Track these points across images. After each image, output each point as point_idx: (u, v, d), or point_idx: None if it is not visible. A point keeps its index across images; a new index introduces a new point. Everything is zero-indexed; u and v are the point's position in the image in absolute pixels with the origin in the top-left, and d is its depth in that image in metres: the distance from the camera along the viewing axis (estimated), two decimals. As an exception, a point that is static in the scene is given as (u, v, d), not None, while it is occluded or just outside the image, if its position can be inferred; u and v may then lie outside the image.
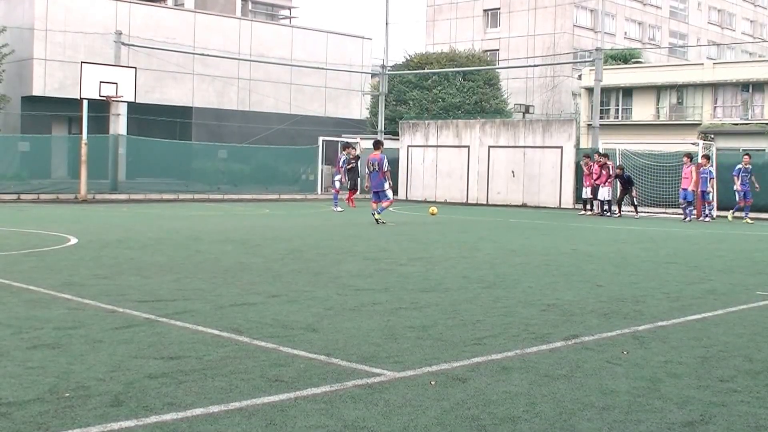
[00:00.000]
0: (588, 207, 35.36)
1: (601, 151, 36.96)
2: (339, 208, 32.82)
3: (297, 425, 5.66)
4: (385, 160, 26.41)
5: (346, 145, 38.91)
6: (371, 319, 9.59)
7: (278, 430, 5.54)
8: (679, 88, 64.61)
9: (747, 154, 33.46)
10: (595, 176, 34.63)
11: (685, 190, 32.18)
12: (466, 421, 5.86)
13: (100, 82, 36.28)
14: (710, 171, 32.72)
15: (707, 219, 32.38)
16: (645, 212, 35.05)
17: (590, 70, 56.24)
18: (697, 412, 6.20)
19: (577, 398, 6.50)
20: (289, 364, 7.36)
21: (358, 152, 38.50)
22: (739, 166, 32.24)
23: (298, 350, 7.87)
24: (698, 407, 6.34)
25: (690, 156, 32.92)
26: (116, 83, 36.71)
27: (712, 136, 54.62)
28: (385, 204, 26.39)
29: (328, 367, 7.30)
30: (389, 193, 26.51)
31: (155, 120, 49.58)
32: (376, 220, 25.74)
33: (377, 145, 27.32)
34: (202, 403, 6.10)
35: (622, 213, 34.31)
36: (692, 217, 32.29)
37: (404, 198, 45.51)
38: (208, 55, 50.79)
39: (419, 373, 7.14)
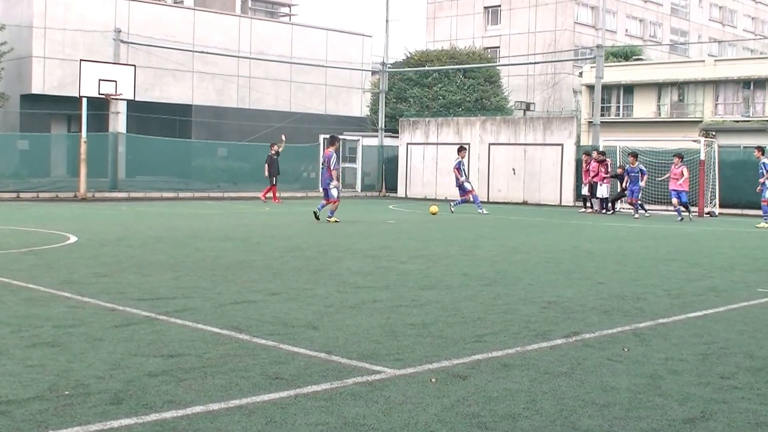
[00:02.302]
0: (588, 204, 35.31)
1: (601, 148, 36.89)
2: (483, 211, 31.86)
3: (297, 423, 5.65)
4: (333, 157, 25.37)
5: (274, 144, 38.78)
6: (371, 316, 9.58)
7: (278, 428, 5.53)
8: (680, 86, 64.53)
9: None
10: (592, 173, 34.53)
11: (676, 191, 30.72)
12: (467, 418, 5.85)
13: (100, 80, 36.22)
14: (642, 169, 32.22)
15: (637, 216, 31.28)
16: (647, 209, 35.05)
17: (591, 67, 56.13)
18: (698, 409, 6.20)
19: (578, 395, 6.50)
20: (289, 362, 7.35)
21: (279, 148, 38.22)
22: None
23: (298, 348, 7.87)
24: (699, 404, 6.33)
25: (681, 156, 32.45)
26: (115, 81, 36.66)
27: (713, 133, 54.49)
28: (329, 204, 25.50)
29: (328, 364, 7.31)
30: (333, 192, 25.32)
31: (155, 118, 49.53)
32: (317, 217, 25.15)
33: (332, 141, 26.12)
34: (202, 401, 6.10)
35: (615, 210, 34.29)
36: (693, 214, 32.05)
37: (404, 195, 45.54)
38: (207, 53, 50.70)
39: (420, 371, 7.14)
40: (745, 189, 35.19)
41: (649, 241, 21.34)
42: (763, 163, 27.66)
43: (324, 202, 25.71)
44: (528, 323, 9.37)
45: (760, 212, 33.04)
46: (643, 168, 32.54)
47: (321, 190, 26.31)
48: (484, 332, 8.80)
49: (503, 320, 9.52)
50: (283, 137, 39.58)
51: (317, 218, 25.19)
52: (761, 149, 28.37)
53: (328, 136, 28.18)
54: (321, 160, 26.19)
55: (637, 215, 31.57)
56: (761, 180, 27.64)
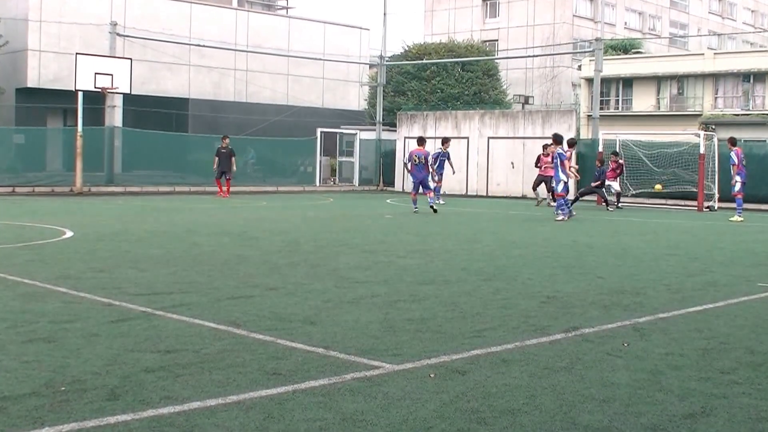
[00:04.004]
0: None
1: (600, 142, 36.72)
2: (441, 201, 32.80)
3: (295, 418, 5.62)
4: (430, 156, 28.85)
5: (225, 137, 38.25)
6: (370, 311, 9.54)
7: (276, 424, 5.50)
8: (680, 79, 64.46)
9: None
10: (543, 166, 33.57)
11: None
12: (466, 413, 5.82)
13: (96, 73, 36.10)
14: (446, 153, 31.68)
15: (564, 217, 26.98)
16: (647, 204, 35.02)
17: (590, 60, 56.14)
18: (698, 405, 6.17)
19: (578, 390, 6.47)
20: (287, 357, 7.33)
21: (228, 142, 37.67)
22: None
23: (296, 343, 7.84)
24: (699, 399, 6.31)
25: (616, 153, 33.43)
26: (112, 75, 36.53)
27: (713, 126, 54.50)
28: (431, 194, 28.42)
29: (326, 359, 7.28)
30: (431, 184, 28.85)
31: (151, 112, 49.39)
32: (434, 210, 27.27)
33: (421, 141, 28.97)
34: (199, 397, 6.07)
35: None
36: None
37: (402, 190, 45.43)
38: (204, 46, 50.54)
39: (418, 366, 7.12)
40: (746, 183, 35.15)
41: (649, 235, 21.32)
42: (730, 156, 27.54)
43: (430, 195, 28.25)
44: (527, 318, 9.34)
45: (758, 206, 33.11)
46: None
47: (416, 183, 28.35)
48: (483, 327, 8.77)
49: (502, 315, 9.48)
50: (227, 140, 38.44)
51: (435, 211, 27.28)
52: (733, 141, 28.22)
53: (417, 137, 30.66)
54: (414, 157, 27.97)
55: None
56: (733, 172, 27.50)
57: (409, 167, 28.78)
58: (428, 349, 7.70)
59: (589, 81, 58.53)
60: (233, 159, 37.37)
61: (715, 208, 33.72)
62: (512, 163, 41.76)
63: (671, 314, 9.77)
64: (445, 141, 35.01)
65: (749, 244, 19.18)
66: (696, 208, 33.08)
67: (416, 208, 27.76)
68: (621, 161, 34.10)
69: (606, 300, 10.65)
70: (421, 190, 28.24)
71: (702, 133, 37.08)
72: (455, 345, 7.91)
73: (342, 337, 8.16)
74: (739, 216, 27.52)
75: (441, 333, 8.44)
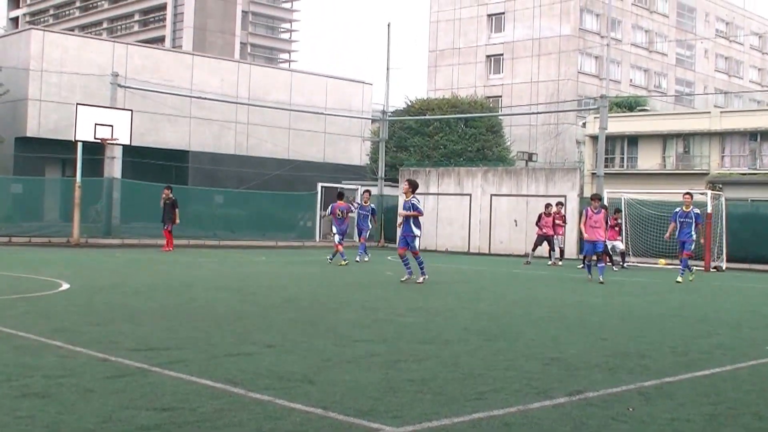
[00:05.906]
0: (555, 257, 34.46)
1: (605, 200, 36.54)
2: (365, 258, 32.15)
3: (292, 484, 5.47)
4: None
5: (167, 188, 37.11)
6: (369, 371, 9.39)
7: (272, 490, 5.36)
8: (686, 137, 64.37)
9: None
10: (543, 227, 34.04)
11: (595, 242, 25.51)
12: (469, 481, 5.67)
13: (96, 124, 36.17)
14: (373, 208, 33.04)
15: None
16: (652, 264, 34.91)
17: (595, 117, 56.28)
18: (708, 474, 6.02)
19: (584, 458, 6.31)
20: (284, 418, 7.19)
21: (171, 194, 36.49)
22: None
23: (294, 403, 7.68)
24: (708, 468, 6.16)
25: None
26: (112, 125, 36.61)
27: (720, 185, 54.44)
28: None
29: (324, 420, 7.13)
30: (337, 239, 30.13)
31: (151, 163, 49.45)
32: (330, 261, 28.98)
33: (341, 195, 31.07)
34: (194, 459, 5.92)
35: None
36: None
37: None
38: (205, 98, 50.69)
39: (419, 429, 6.96)
40: (753, 243, 35.05)
41: (654, 295, 21.23)
42: (696, 214, 26.17)
43: (339, 249, 29.52)
44: (530, 380, 9.17)
45: (765, 267, 32.92)
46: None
47: (340, 234, 30.29)
48: (484, 389, 8.61)
49: (504, 377, 9.33)
50: (167, 191, 37.39)
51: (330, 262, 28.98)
52: (692, 195, 26.81)
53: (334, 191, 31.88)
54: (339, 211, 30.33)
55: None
56: (700, 231, 26.54)
57: (333, 221, 30.15)
58: (429, 412, 7.54)
59: (594, 138, 58.56)
60: (175, 210, 35.90)
61: (723, 268, 33.59)
62: (515, 221, 41.73)
63: (677, 378, 9.61)
64: (364, 193, 34.18)
65: (757, 306, 19.11)
66: (703, 269, 32.85)
67: (345, 259, 28.89)
68: (620, 221, 34.22)
69: (610, 362, 10.49)
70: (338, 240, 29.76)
71: (709, 192, 37.04)
72: (456, 407, 7.75)
73: (341, 397, 8.01)
74: (689, 272, 26.50)
75: (442, 395, 8.28)
